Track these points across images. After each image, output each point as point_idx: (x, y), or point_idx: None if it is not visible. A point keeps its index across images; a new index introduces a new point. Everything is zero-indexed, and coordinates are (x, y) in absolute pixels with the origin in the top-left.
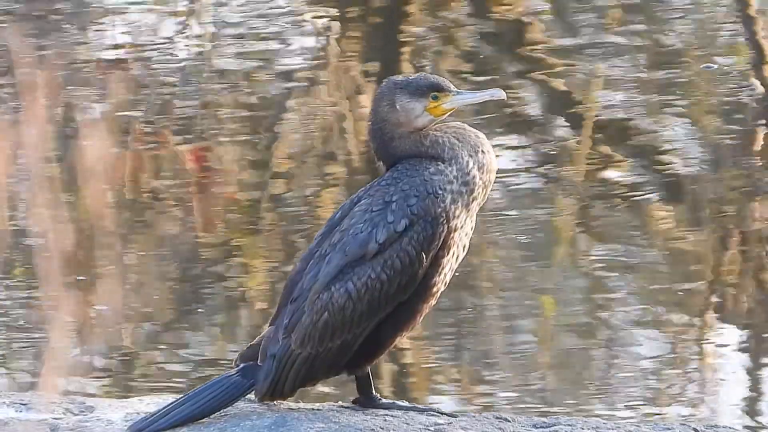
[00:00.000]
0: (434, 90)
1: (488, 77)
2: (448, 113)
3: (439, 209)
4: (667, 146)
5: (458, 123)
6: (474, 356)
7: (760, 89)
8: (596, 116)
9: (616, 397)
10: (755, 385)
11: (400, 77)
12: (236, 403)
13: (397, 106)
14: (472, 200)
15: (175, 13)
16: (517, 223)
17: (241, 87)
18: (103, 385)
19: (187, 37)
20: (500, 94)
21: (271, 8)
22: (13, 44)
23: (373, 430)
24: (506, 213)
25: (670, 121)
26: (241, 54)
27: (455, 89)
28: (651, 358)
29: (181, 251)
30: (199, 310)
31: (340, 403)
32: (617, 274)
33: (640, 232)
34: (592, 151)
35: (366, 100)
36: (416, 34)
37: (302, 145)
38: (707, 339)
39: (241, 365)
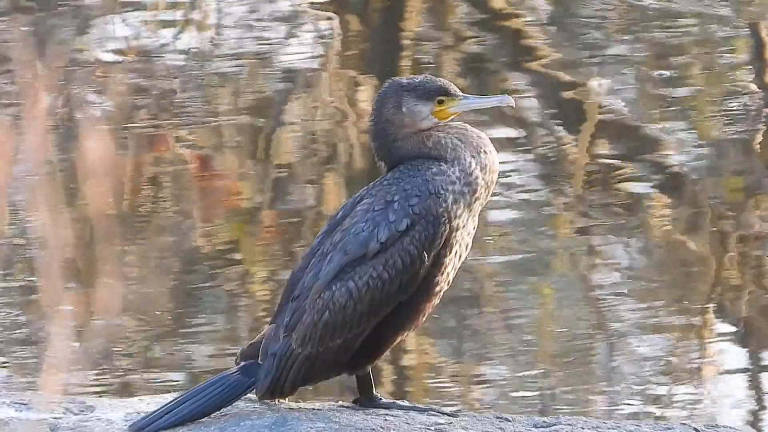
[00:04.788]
0: (441, 94)
1: (488, 77)
2: (453, 117)
3: (441, 209)
4: (667, 146)
5: (460, 123)
6: (474, 355)
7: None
8: (596, 116)
9: (616, 396)
10: (755, 385)
11: (405, 79)
12: (236, 403)
13: (403, 109)
14: (475, 200)
15: (175, 12)
16: (517, 222)
17: (242, 86)
18: (103, 385)
19: (187, 36)
20: (508, 100)
21: (272, 8)
22: (13, 43)
23: (373, 429)
24: (506, 213)
25: (671, 121)
26: (242, 53)
27: (461, 93)
28: (651, 358)
29: (182, 251)
30: (200, 308)
31: (340, 402)
32: (618, 274)
33: (641, 232)
34: (592, 151)
35: (366, 101)
36: (416, 34)
37: (302, 145)
38: (707, 339)
39: (242, 363)
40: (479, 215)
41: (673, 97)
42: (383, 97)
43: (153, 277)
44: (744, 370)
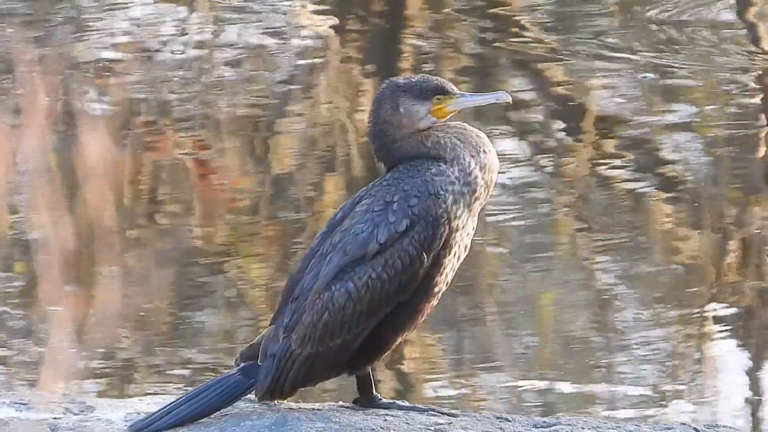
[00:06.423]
0: (438, 93)
1: (488, 77)
2: (451, 115)
3: (440, 210)
4: (667, 146)
5: (459, 123)
6: (474, 356)
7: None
8: (596, 115)
9: (616, 397)
10: (755, 386)
11: (401, 79)
12: (236, 403)
13: (401, 109)
14: (474, 200)
15: (174, 13)
16: (517, 222)
17: (242, 88)
18: (103, 385)
19: (187, 37)
20: (505, 96)
21: (272, 10)
22: (13, 43)
23: (373, 430)
24: (506, 213)
25: (671, 121)
26: (241, 54)
27: (458, 91)
28: (651, 358)
29: (181, 251)
30: (199, 309)
31: (340, 403)
32: (617, 274)
33: (641, 233)
34: (592, 151)
35: (366, 102)
36: (416, 35)
37: (302, 146)
38: (708, 339)
39: (242, 364)
40: (478, 216)
41: (673, 96)
42: (380, 98)
43: (153, 277)
44: (744, 370)
